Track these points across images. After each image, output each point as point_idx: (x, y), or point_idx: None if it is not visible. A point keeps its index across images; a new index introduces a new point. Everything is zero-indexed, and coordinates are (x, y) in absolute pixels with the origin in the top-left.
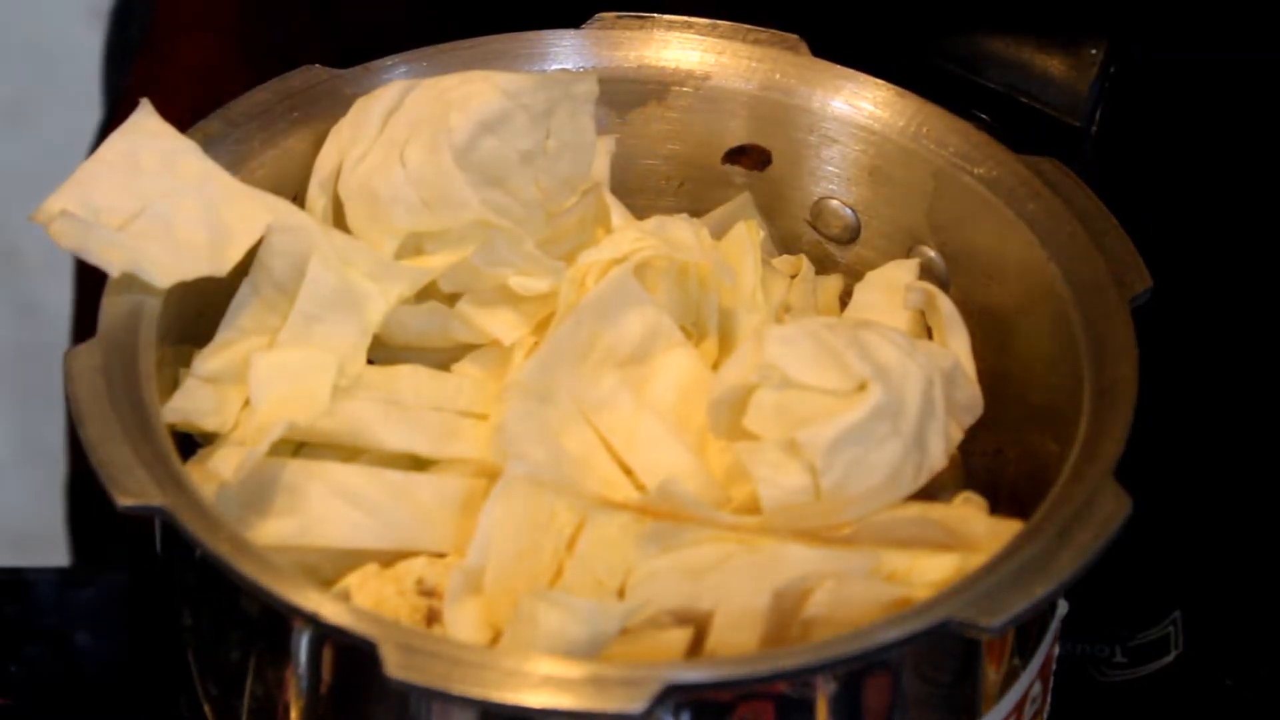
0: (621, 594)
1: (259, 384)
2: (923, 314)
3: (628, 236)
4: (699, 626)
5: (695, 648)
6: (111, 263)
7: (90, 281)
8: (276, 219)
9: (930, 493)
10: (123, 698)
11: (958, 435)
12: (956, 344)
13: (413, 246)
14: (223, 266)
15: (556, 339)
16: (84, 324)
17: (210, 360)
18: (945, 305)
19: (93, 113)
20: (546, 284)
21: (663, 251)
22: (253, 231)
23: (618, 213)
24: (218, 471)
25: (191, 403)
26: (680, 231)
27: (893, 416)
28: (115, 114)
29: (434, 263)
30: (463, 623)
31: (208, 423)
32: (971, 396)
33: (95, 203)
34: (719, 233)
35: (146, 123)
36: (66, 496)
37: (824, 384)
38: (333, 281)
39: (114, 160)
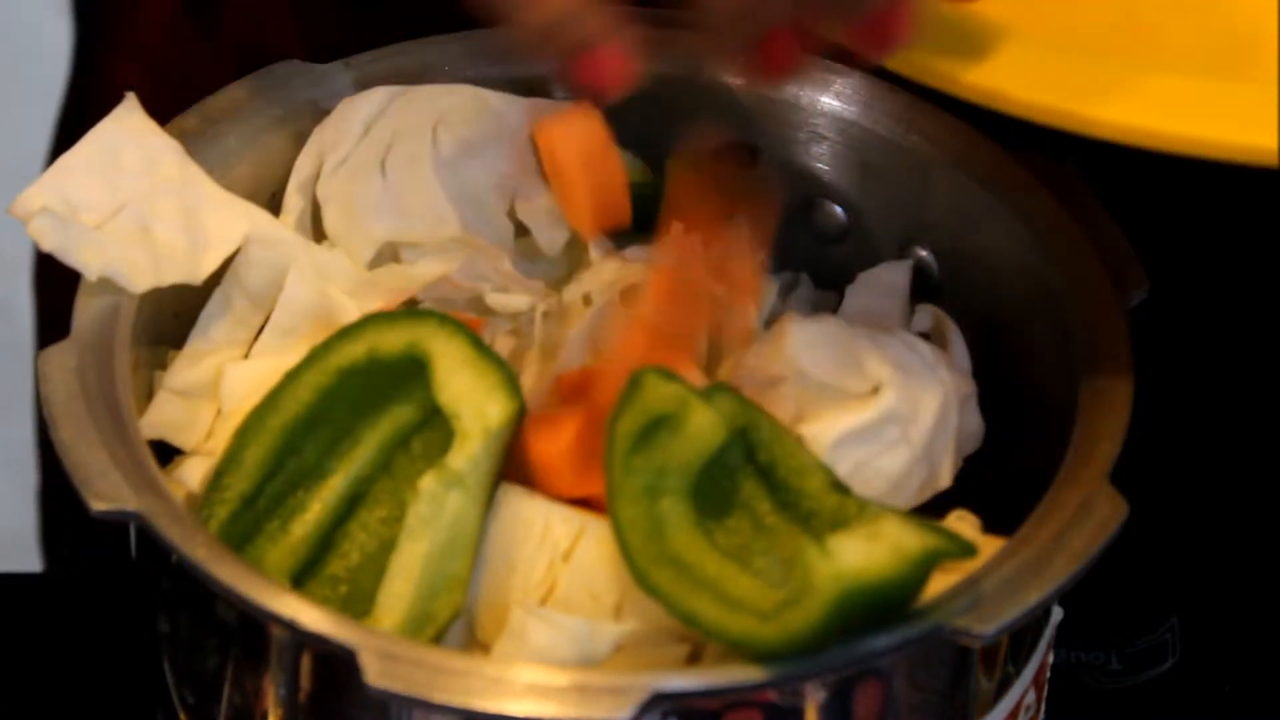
0: (618, 611)
1: (231, 392)
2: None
3: (609, 267)
4: (696, 644)
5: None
6: (89, 265)
7: (51, 281)
8: (255, 229)
9: (924, 509)
10: (98, 706)
11: (959, 461)
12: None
13: (390, 254)
14: (198, 275)
15: (550, 372)
16: (47, 324)
17: (182, 373)
18: (952, 330)
19: None
20: (524, 302)
21: (646, 275)
22: (231, 240)
23: (595, 243)
24: (185, 481)
25: (164, 417)
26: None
27: (904, 423)
28: (72, 100)
29: (413, 275)
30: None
31: (180, 438)
32: (979, 427)
33: (73, 199)
34: None
35: (129, 118)
36: (39, 502)
37: (840, 383)
38: (310, 296)
39: (94, 155)
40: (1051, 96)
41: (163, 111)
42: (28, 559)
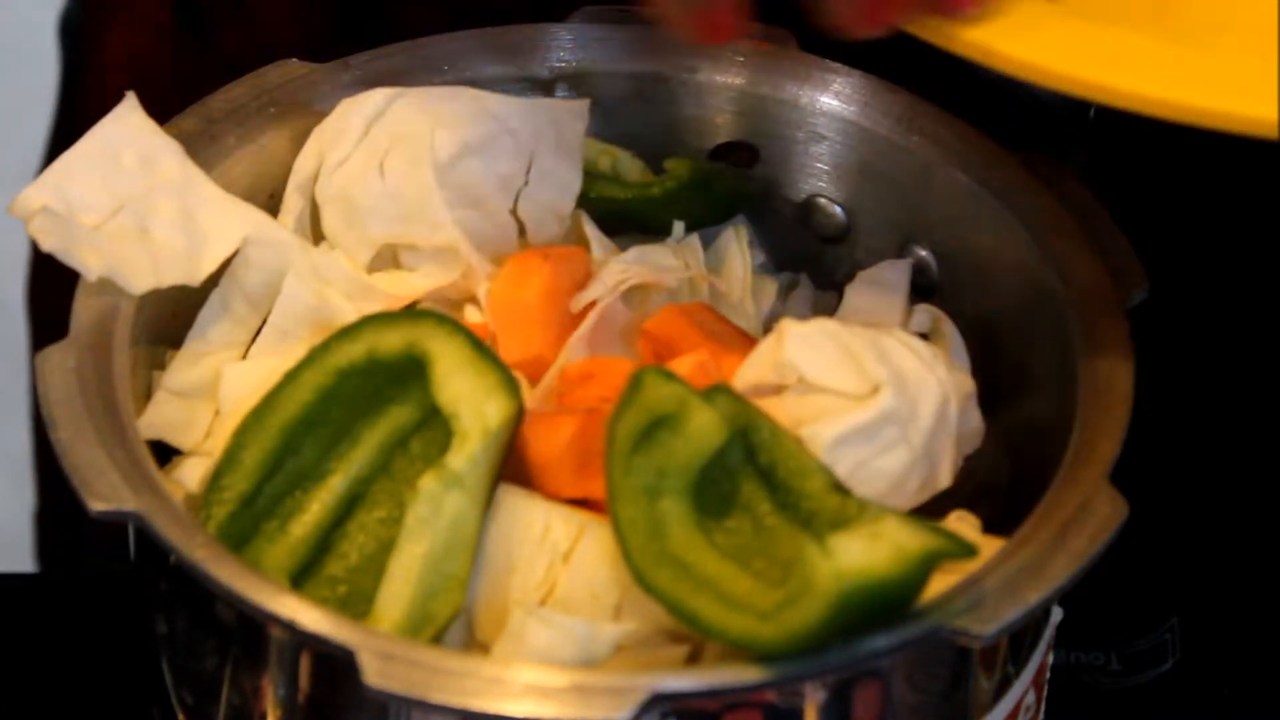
0: (618, 611)
1: (229, 393)
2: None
3: (612, 273)
4: (696, 644)
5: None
6: (90, 266)
7: (46, 284)
8: (254, 231)
9: (924, 509)
10: (96, 706)
11: (959, 461)
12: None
13: (389, 256)
14: (197, 276)
15: (550, 378)
16: (41, 326)
17: (180, 373)
18: (950, 330)
19: None
20: None
21: (648, 278)
22: (229, 242)
23: (599, 245)
24: (184, 481)
25: (163, 417)
26: (660, 256)
27: (903, 423)
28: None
29: (412, 283)
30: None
31: (179, 439)
32: (979, 426)
33: (73, 198)
34: (707, 241)
35: (129, 117)
36: (35, 504)
37: (838, 385)
38: (308, 299)
39: (94, 154)
40: (1065, 64)
41: (154, 114)
42: (25, 560)
